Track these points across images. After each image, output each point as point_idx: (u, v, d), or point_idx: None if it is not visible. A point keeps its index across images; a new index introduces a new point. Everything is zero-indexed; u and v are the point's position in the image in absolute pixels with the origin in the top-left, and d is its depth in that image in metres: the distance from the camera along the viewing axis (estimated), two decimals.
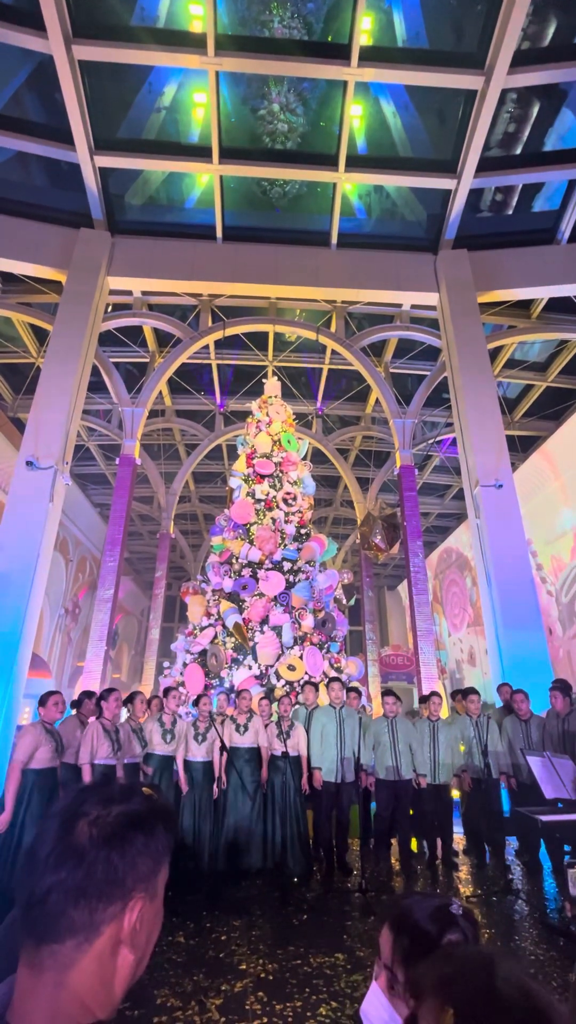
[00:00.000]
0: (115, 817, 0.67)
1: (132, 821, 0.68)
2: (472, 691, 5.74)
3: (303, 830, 4.99)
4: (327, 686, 5.59)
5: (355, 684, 7.52)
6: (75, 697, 5.68)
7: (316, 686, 6.27)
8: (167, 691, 5.36)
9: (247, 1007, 2.66)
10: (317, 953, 3.25)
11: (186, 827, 4.81)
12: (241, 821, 4.92)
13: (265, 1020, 2.56)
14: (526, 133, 9.03)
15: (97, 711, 4.84)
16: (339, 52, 8.01)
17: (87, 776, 4.41)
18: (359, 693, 6.51)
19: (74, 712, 5.36)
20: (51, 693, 4.63)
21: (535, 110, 8.81)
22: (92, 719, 4.77)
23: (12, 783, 4.16)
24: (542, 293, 10.25)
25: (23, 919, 0.63)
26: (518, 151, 9.23)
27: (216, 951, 3.28)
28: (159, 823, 0.71)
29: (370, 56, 8.01)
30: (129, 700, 5.35)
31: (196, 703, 5.32)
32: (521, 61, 7.86)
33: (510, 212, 10.36)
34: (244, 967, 3.08)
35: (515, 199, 10.14)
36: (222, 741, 5.04)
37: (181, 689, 7.24)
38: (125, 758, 4.72)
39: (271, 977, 2.96)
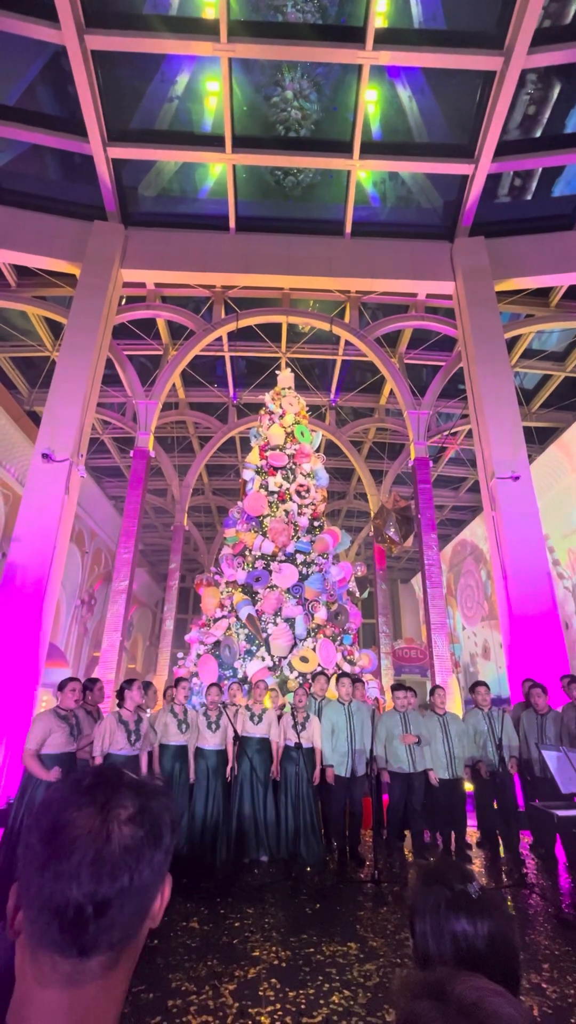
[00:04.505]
0: (151, 808, 0.66)
1: (162, 807, 0.68)
2: (480, 684, 5.70)
3: (316, 820, 5.02)
4: (337, 681, 5.58)
5: (366, 677, 7.51)
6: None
7: (328, 676, 6.27)
8: (177, 682, 5.40)
9: (260, 993, 2.69)
10: (330, 942, 3.26)
11: (200, 815, 4.86)
12: (254, 810, 4.96)
13: (278, 1006, 2.58)
14: (546, 115, 8.78)
15: (119, 701, 4.89)
16: (354, 35, 7.86)
17: None
18: (363, 683, 6.49)
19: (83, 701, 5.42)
20: (69, 680, 4.70)
21: (556, 91, 8.56)
22: (106, 712, 4.83)
23: (33, 767, 4.25)
24: (562, 281, 10.01)
25: (62, 937, 0.56)
26: (538, 134, 9.00)
27: (230, 937, 3.32)
28: (171, 800, 0.71)
29: (386, 39, 7.84)
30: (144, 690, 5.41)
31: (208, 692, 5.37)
32: (542, 40, 7.64)
33: (529, 197, 10.11)
34: (257, 954, 3.10)
35: (534, 184, 9.89)
36: (235, 729, 5.07)
37: (195, 680, 7.30)
38: (146, 748, 4.78)
39: (284, 964, 2.98)
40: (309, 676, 6.96)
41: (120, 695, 4.81)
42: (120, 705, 4.73)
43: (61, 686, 4.62)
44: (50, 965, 0.57)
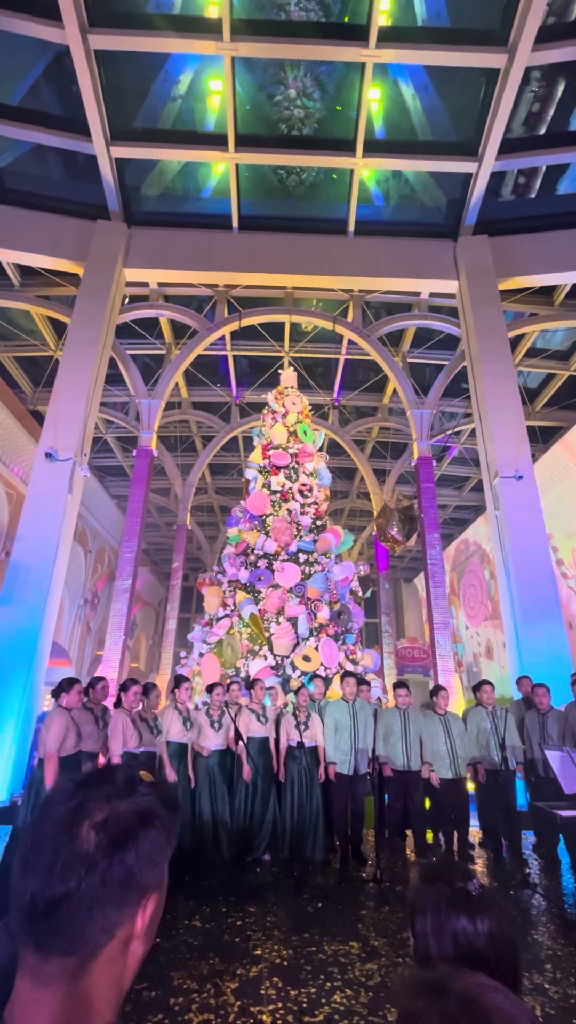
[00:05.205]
0: (123, 817, 0.62)
1: (142, 818, 0.63)
2: (485, 683, 5.69)
3: (320, 819, 5.01)
4: (342, 680, 5.58)
5: (369, 677, 7.50)
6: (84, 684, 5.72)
7: (324, 679, 6.27)
8: (179, 681, 5.39)
9: (262, 992, 2.69)
10: (332, 941, 3.26)
11: (202, 814, 4.87)
12: (256, 809, 4.96)
13: (280, 1005, 2.58)
14: (551, 112, 8.74)
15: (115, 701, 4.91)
16: (357, 33, 7.84)
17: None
18: (368, 684, 6.48)
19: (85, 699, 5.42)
20: (73, 681, 4.69)
21: (560, 88, 8.52)
22: (114, 711, 4.84)
23: (51, 771, 4.20)
24: (566, 279, 9.97)
25: (24, 929, 0.57)
26: (542, 131, 8.95)
27: (232, 936, 3.32)
28: (165, 813, 0.66)
29: (389, 36, 7.82)
30: (145, 692, 5.40)
31: (209, 691, 5.36)
32: (546, 37, 7.61)
33: (533, 195, 10.07)
34: (259, 952, 3.11)
35: (538, 182, 9.85)
36: (238, 732, 5.07)
37: (196, 680, 7.31)
38: (143, 746, 4.80)
39: (286, 963, 2.98)
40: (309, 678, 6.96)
41: (119, 695, 4.83)
42: (119, 704, 4.75)
43: (67, 686, 4.60)
44: (22, 954, 0.58)
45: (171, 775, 4.84)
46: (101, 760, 4.65)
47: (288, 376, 10.32)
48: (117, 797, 0.64)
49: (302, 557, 8.06)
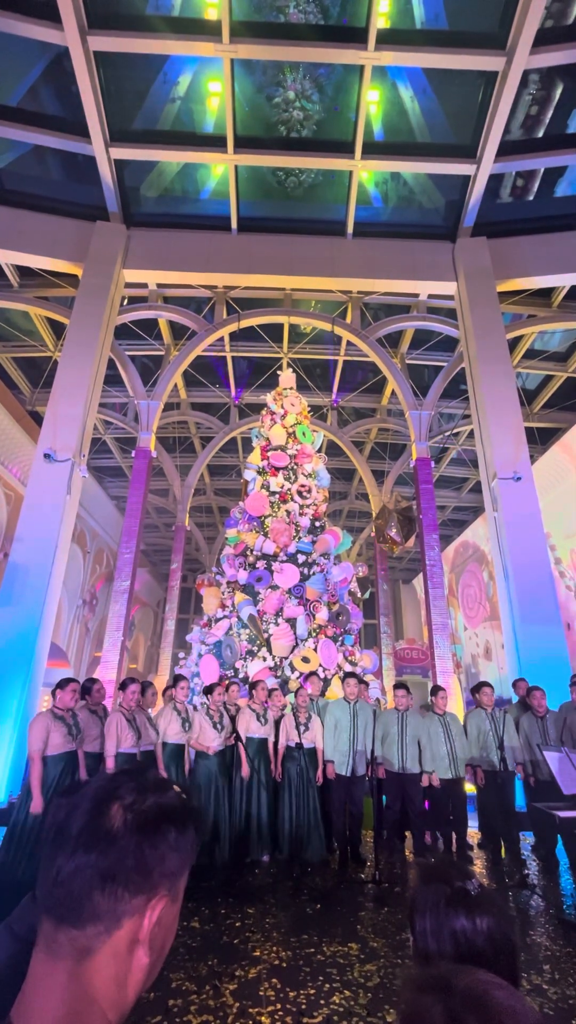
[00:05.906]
0: (151, 806, 0.66)
1: (167, 814, 0.67)
2: (485, 684, 5.70)
3: (319, 819, 5.01)
4: (343, 681, 5.58)
5: (368, 678, 7.50)
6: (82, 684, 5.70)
7: (320, 677, 6.27)
8: (176, 680, 5.39)
9: (260, 993, 2.68)
10: (331, 942, 3.26)
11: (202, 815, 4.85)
12: (255, 810, 4.95)
13: (279, 1006, 2.58)
14: (549, 115, 8.78)
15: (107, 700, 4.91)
16: (356, 36, 7.87)
17: (111, 767, 4.48)
18: (367, 685, 6.49)
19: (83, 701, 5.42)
20: (68, 680, 4.69)
21: (559, 91, 8.55)
22: (111, 710, 4.84)
23: (34, 773, 4.27)
24: (564, 281, 10.00)
25: (45, 896, 0.62)
26: (540, 134, 8.99)
27: (231, 937, 3.31)
28: (191, 822, 0.70)
29: (388, 39, 7.85)
30: (142, 690, 5.40)
31: (209, 692, 5.35)
32: (544, 40, 7.64)
33: (531, 197, 10.11)
34: (258, 954, 3.10)
35: (536, 184, 9.89)
36: (236, 733, 5.06)
37: (196, 680, 7.30)
38: (141, 746, 4.79)
39: (284, 965, 2.98)
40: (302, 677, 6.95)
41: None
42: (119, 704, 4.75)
43: (61, 686, 4.62)
44: (42, 922, 0.62)
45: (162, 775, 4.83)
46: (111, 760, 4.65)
47: (287, 377, 10.33)
48: (148, 789, 0.69)
49: (301, 558, 8.06)
